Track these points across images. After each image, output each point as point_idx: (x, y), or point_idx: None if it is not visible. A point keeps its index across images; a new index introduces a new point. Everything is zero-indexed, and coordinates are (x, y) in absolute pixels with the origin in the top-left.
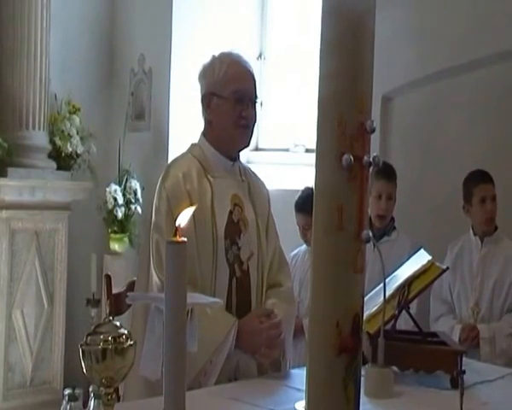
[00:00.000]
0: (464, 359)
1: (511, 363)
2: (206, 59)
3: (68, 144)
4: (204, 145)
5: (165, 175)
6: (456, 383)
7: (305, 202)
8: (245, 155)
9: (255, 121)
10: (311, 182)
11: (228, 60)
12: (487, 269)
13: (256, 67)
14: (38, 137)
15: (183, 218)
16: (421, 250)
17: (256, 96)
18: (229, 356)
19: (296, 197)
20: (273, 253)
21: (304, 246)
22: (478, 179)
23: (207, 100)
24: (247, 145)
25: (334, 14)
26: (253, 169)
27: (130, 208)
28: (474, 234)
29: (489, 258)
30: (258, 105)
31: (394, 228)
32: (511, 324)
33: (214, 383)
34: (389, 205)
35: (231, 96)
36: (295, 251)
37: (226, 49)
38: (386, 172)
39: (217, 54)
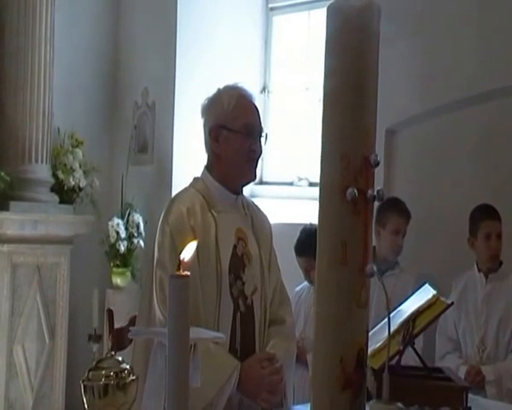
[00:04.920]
0: (470, 395)
1: None
2: (211, 92)
3: (71, 178)
4: (207, 179)
5: (168, 210)
6: None
7: (304, 246)
8: (249, 189)
9: (261, 154)
10: (314, 216)
11: (236, 93)
12: (492, 306)
13: (260, 101)
14: (41, 171)
15: (187, 252)
16: (426, 285)
17: (262, 130)
18: (230, 398)
19: (295, 241)
20: (275, 287)
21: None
22: (484, 215)
23: (215, 133)
24: (254, 179)
25: (337, 46)
26: (256, 203)
27: (132, 242)
28: (479, 270)
29: (493, 295)
30: (263, 139)
31: (397, 263)
32: None
33: None
34: (403, 241)
35: (243, 129)
36: (299, 287)
37: (230, 83)
38: (405, 210)
39: (222, 87)
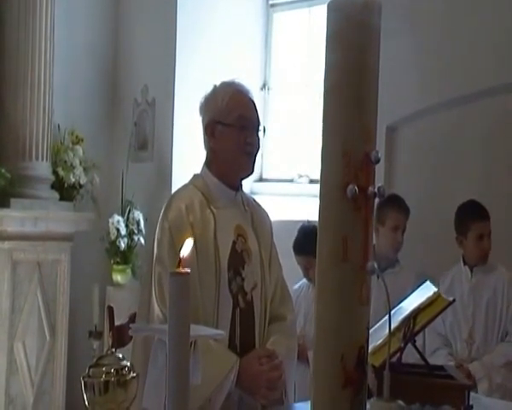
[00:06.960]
0: (471, 393)
1: (507, 396)
2: (208, 89)
3: (71, 175)
4: (207, 176)
5: (168, 207)
6: None
7: (302, 244)
8: (249, 186)
9: (258, 149)
10: (315, 213)
11: (231, 89)
12: (478, 299)
13: (260, 98)
14: (41, 168)
15: (185, 249)
16: (428, 282)
17: (259, 124)
18: (228, 395)
19: (293, 239)
20: (275, 284)
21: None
22: (475, 216)
23: (211, 129)
24: (252, 173)
25: (338, 43)
26: (256, 200)
27: (132, 239)
28: (465, 263)
29: (479, 287)
30: (261, 133)
31: (397, 260)
32: (504, 353)
33: None
34: (403, 238)
35: (236, 122)
36: (298, 285)
37: (227, 79)
38: (404, 206)
39: (218, 84)
